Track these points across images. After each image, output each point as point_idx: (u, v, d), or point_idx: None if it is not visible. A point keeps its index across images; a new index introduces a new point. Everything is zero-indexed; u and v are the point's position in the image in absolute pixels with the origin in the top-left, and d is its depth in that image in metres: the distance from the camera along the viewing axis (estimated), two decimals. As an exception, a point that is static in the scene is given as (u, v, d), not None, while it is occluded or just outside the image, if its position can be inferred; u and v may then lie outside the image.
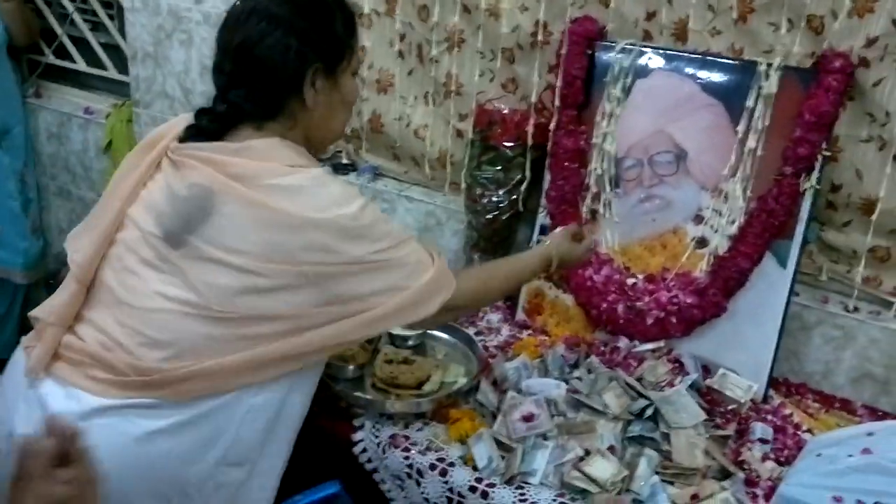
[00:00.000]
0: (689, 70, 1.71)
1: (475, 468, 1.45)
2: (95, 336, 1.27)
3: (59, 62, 2.88)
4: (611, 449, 1.45)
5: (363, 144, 2.26)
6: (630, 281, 1.78)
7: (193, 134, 1.29)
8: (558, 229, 1.72)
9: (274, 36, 1.24)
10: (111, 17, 2.69)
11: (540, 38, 1.84)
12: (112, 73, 2.76)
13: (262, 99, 1.26)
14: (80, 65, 2.84)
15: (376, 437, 1.54)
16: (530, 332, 1.90)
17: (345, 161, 2.30)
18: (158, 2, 2.40)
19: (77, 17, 2.74)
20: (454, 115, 2.03)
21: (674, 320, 1.71)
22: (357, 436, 1.56)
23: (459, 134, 2.03)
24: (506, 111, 1.86)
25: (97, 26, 2.74)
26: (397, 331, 1.74)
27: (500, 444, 1.47)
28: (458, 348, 1.78)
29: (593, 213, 1.83)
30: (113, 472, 1.20)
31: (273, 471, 1.38)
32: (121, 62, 2.68)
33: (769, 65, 1.62)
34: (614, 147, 1.79)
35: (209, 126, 1.28)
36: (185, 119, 1.35)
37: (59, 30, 2.80)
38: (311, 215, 1.21)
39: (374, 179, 2.25)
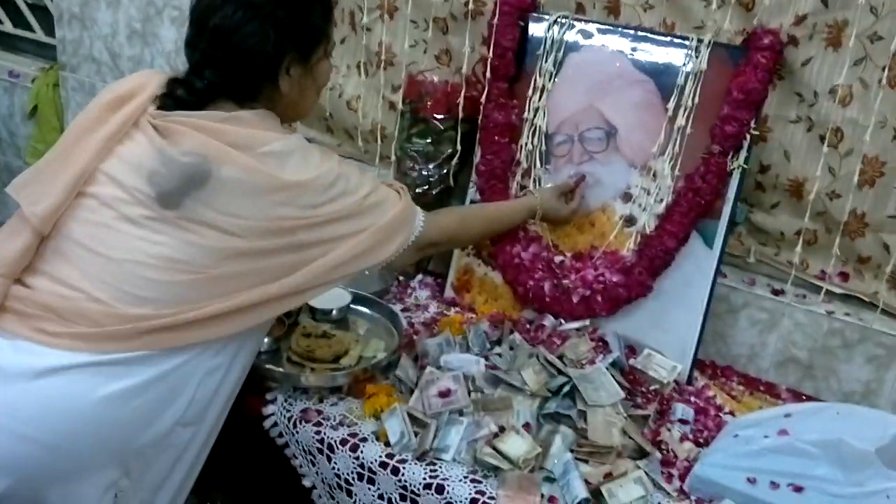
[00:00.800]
0: (621, 45, 1.68)
1: (387, 443, 1.41)
2: (52, 287, 1.23)
3: (-17, 23, 2.76)
4: (526, 426, 1.42)
5: (296, 115, 2.20)
6: (558, 259, 1.75)
7: (171, 103, 1.28)
8: (550, 184, 1.75)
9: (252, 25, 1.24)
10: (39, -23, 2.59)
11: (471, 7, 1.79)
12: (39, 35, 2.65)
13: (238, 82, 1.28)
14: (6, 26, 2.72)
15: (288, 411, 1.49)
16: (458, 309, 1.87)
17: (277, 132, 2.23)
18: None
19: (3, -24, 2.64)
20: (386, 87, 1.98)
21: (599, 299, 1.69)
22: (268, 409, 1.51)
23: (392, 106, 1.98)
24: (437, 82, 1.81)
25: (24, -14, 2.64)
26: (318, 304, 1.69)
27: (414, 419, 1.43)
28: (380, 323, 1.73)
29: (523, 188, 1.79)
30: (72, 433, 1.18)
31: (213, 432, 1.38)
32: (48, 24, 2.57)
33: (700, 41, 1.60)
34: (545, 122, 1.75)
35: (187, 98, 1.27)
36: (148, 78, 1.32)
37: (-17, -11, 2.69)
38: (301, 177, 1.25)
39: (306, 152, 2.19)
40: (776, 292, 1.73)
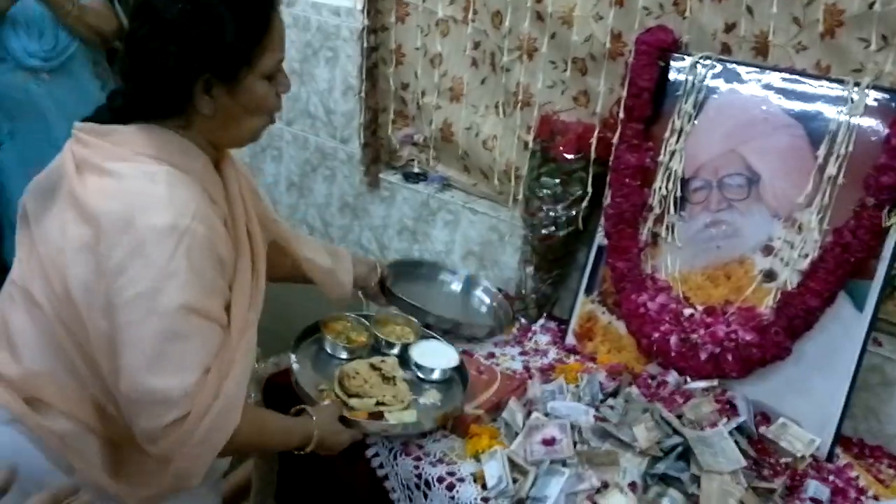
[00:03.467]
0: (769, 87, 1.57)
1: (484, 486, 1.36)
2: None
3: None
4: (632, 486, 1.33)
5: (434, 154, 2.22)
6: (687, 311, 1.64)
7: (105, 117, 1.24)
8: (327, 402, 1.44)
9: (157, 40, 1.16)
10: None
11: (609, 47, 1.74)
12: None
13: (148, 101, 1.21)
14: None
15: (390, 442, 1.48)
16: (579, 357, 1.79)
17: (416, 170, 2.27)
18: (308, 18, 2.38)
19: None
20: (522, 127, 1.96)
21: (730, 358, 1.56)
22: (370, 439, 1.49)
23: (526, 146, 1.95)
24: (569, 122, 1.77)
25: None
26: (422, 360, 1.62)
27: (514, 465, 1.37)
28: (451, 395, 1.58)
29: (654, 236, 1.71)
30: None
31: None
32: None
33: (857, 84, 1.46)
34: (682, 166, 1.66)
35: (108, 116, 1.23)
36: None
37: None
38: (114, 210, 1.11)
39: (442, 190, 2.21)
40: (941, 367, 1.53)
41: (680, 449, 1.35)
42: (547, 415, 1.48)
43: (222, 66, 1.18)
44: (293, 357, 1.56)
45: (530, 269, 1.89)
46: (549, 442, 1.40)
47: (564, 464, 1.37)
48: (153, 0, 1.17)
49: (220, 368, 1.16)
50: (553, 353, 1.80)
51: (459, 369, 1.61)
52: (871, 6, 1.43)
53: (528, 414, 1.49)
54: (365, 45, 2.17)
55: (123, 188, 1.13)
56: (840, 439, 1.50)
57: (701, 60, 1.64)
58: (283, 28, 1.24)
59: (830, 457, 1.49)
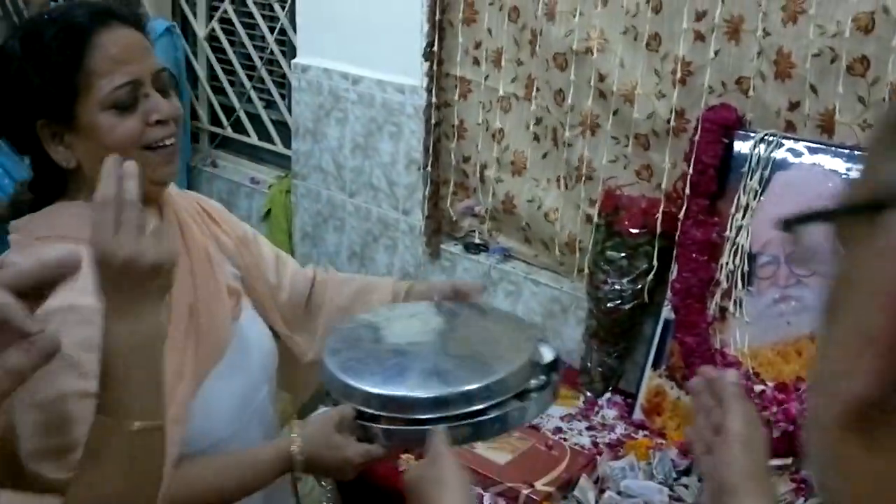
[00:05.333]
0: (835, 164, 1.58)
1: (559, 569, 1.35)
2: None
3: (234, 135, 3.14)
4: (711, 569, 1.30)
5: (496, 225, 2.26)
6: (758, 388, 1.62)
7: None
8: (321, 410, 1.20)
9: None
10: (283, 97, 2.91)
11: (674, 124, 1.78)
12: (279, 147, 2.97)
13: (34, 176, 1.16)
14: (253, 139, 3.08)
15: None
16: (647, 433, 1.78)
17: (477, 241, 2.31)
18: (321, 82, 2.57)
19: (254, 95, 3.00)
20: (585, 200, 1.99)
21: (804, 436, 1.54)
22: None
23: (589, 219, 1.98)
24: (633, 196, 1.80)
25: (270, 104, 2.98)
26: None
27: (589, 546, 1.37)
28: None
29: (722, 311, 1.71)
30: None
31: None
32: (287, 138, 2.87)
33: (927, 161, 1.47)
34: (748, 241, 1.67)
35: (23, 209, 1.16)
36: None
37: (237, 106, 3.07)
38: None
39: (504, 261, 2.24)
40: None
41: (759, 532, 1.33)
42: (619, 493, 1.47)
43: (46, 107, 1.08)
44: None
45: (595, 342, 1.90)
46: (623, 522, 1.39)
47: (640, 545, 1.36)
48: None
49: None
50: (621, 429, 1.79)
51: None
52: (938, 85, 1.45)
53: (600, 492, 1.49)
54: (429, 120, 2.24)
55: None
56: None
57: (765, 137, 1.66)
58: (125, 45, 1.09)
59: (913, 540, 1.45)
